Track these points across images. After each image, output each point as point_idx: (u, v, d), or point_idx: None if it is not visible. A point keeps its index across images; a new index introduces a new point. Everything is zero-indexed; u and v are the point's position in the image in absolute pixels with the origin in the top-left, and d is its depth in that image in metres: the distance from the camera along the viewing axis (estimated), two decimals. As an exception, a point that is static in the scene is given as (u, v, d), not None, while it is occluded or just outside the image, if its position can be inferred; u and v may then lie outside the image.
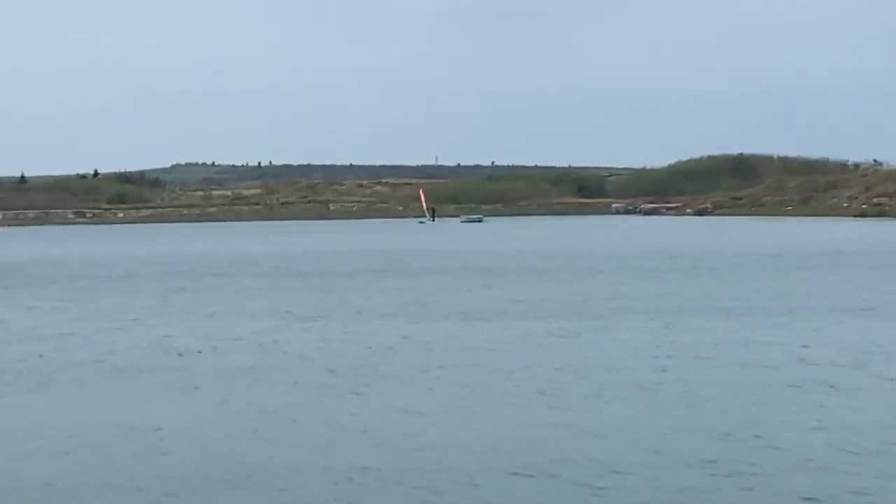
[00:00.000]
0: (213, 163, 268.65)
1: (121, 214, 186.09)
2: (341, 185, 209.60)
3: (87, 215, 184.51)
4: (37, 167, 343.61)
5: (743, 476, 12.64)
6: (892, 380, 18.80)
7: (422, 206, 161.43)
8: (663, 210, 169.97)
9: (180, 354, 23.11)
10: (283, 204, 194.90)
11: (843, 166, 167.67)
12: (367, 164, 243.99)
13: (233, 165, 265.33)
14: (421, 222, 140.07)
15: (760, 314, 28.68)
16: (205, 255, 67.58)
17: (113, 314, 32.06)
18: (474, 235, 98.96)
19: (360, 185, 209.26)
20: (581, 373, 19.75)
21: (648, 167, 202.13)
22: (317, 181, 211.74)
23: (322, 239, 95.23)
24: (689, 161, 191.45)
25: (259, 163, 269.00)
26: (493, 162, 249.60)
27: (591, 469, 13.05)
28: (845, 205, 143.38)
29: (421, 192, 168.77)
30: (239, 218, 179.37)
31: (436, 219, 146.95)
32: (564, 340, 24.21)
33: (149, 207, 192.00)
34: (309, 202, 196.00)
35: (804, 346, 22.60)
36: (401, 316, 29.88)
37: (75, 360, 22.41)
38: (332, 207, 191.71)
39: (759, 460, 13.33)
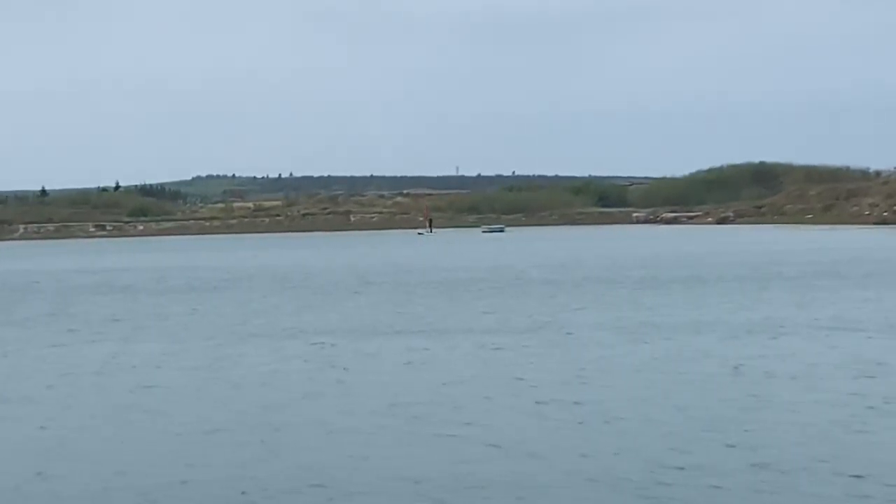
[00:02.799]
0: (234, 175, 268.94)
1: (141, 227, 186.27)
2: (362, 196, 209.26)
3: (108, 228, 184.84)
4: (57, 181, 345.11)
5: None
6: (827, 393, 17.91)
7: (425, 218, 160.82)
8: (684, 219, 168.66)
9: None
10: (304, 215, 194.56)
11: (864, 174, 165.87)
12: (387, 175, 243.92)
13: (254, 177, 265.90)
14: (420, 234, 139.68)
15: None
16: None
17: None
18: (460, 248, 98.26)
19: (381, 197, 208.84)
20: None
21: (669, 176, 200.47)
22: (338, 193, 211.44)
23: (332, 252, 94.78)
24: (710, 170, 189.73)
25: (280, 174, 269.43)
26: (513, 172, 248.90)
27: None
28: (867, 212, 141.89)
29: (425, 206, 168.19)
30: (260, 230, 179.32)
31: (433, 230, 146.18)
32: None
33: (170, 220, 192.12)
34: (330, 213, 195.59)
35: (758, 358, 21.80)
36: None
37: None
38: (352, 219, 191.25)
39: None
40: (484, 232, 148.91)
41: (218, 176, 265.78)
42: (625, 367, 20.67)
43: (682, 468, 12.87)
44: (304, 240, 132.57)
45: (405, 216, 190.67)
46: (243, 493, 12.29)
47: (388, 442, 14.66)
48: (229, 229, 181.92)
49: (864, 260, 54.46)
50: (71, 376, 21.32)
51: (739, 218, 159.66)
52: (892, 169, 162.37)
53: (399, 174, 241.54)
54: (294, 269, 60.98)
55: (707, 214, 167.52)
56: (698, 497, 11.77)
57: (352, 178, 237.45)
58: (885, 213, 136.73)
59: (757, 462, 13.10)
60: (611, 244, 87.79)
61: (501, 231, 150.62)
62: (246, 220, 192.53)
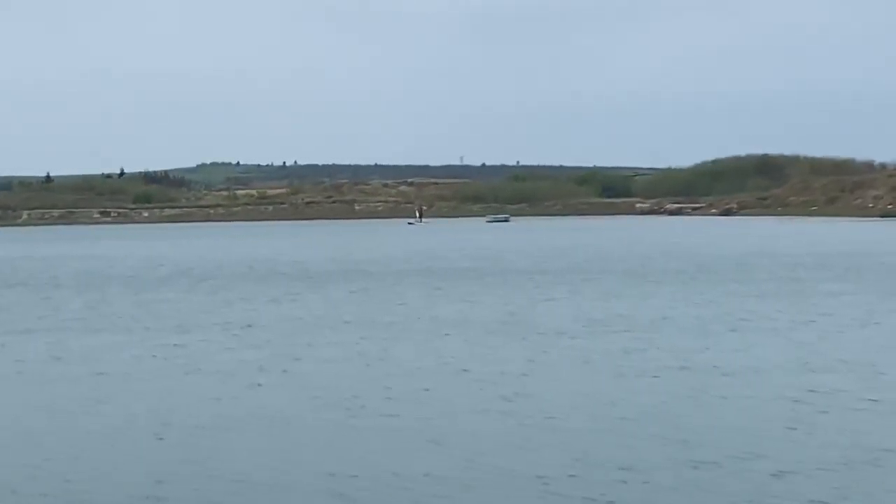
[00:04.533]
0: (238, 163, 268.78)
1: (146, 214, 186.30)
2: (366, 184, 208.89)
3: (113, 215, 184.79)
4: (62, 167, 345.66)
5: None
6: (769, 389, 17.49)
7: (414, 207, 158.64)
8: (688, 210, 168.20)
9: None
10: (308, 204, 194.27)
11: (869, 166, 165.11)
12: (392, 164, 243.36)
13: (258, 165, 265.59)
14: (410, 223, 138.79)
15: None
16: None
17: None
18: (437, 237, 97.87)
19: (385, 186, 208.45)
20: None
21: (674, 167, 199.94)
22: (342, 181, 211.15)
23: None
24: (714, 161, 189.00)
25: (284, 162, 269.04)
26: (518, 162, 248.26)
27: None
28: (871, 205, 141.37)
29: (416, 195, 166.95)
30: (264, 218, 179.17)
31: (423, 220, 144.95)
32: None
33: (174, 207, 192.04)
34: (334, 202, 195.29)
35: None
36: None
37: None
38: (357, 208, 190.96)
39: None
40: (488, 221, 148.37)
41: (222, 163, 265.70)
42: (572, 360, 20.23)
43: (616, 465, 12.51)
44: (291, 228, 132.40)
45: (409, 205, 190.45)
46: (158, 480, 12.05)
47: (321, 435, 14.36)
48: (233, 217, 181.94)
49: (852, 255, 53.90)
50: None
51: (743, 210, 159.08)
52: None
53: (403, 163, 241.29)
54: (269, 259, 60.77)
55: (711, 206, 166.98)
56: (629, 494, 11.43)
57: (356, 166, 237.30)
58: (890, 206, 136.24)
59: (691, 459, 12.75)
60: (591, 235, 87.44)
61: (506, 221, 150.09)
62: (250, 207, 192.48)
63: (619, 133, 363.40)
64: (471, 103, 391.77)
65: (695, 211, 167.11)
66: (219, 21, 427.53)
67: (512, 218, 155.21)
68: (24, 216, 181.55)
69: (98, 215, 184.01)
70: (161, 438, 14.42)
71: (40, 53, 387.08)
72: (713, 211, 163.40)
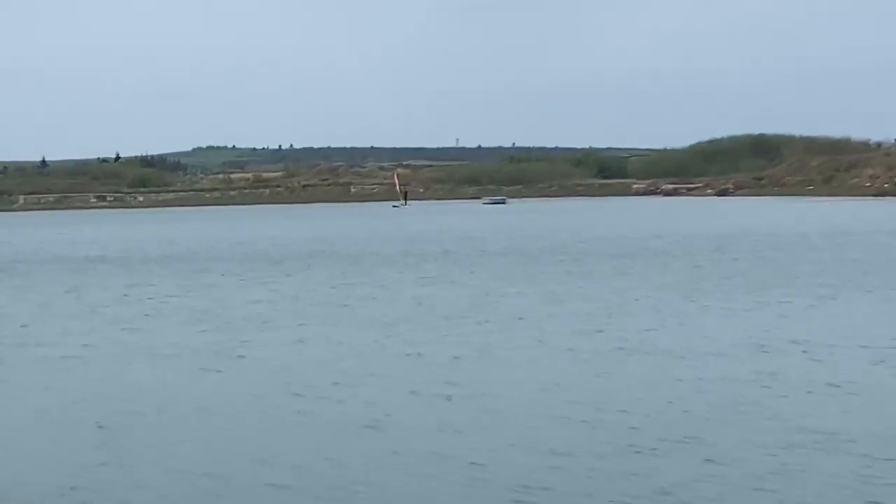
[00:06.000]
0: (234, 146, 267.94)
1: (141, 198, 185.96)
2: (362, 167, 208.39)
3: (108, 199, 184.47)
4: (58, 151, 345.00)
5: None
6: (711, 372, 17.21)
7: (395, 189, 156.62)
8: (684, 191, 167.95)
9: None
10: (304, 187, 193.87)
11: (865, 145, 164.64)
12: (387, 146, 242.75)
13: (253, 149, 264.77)
14: (395, 206, 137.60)
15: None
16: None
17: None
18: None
19: (381, 168, 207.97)
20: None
21: (669, 148, 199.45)
22: (338, 164, 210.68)
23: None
24: (710, 141, 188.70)
25: (280, 146, 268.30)
26: (513, 143, 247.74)
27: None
28: (867, 184, 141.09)
29: (395, 174, 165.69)
30: (260, 201, 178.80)
31: (408, 202, 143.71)
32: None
33: (170, 191, 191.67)
34: (330, 185, 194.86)
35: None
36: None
37: None
38: (352, 190, 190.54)
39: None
40: (485, 204, 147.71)
41: (218, 147, 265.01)
42: (525, 344, 19.89)
43: (551, 451, 12.25)
44: (285, 211, 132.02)
45: (405, 187, 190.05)
46: (88, 468, 11.81)
47: (260, 422, 14.11)
48: (230, 200, 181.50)
49: (833, 234, 53.71)
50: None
51: (739, 190, 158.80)
52: (893, 140, 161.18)
53: (399, 146, 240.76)
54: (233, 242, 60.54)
55: (707, 186, 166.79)
56: (563, 480, 11.18)
57: (352, 149, 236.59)
58: (886, 185, 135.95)
59: (631, 444, 12.48)
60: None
61: (503, 203, 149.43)
62: (246, 191, 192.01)
63: (615, 114, 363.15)
64: (466, 85, 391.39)
65: (690, 192, 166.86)
66: (214, 5, 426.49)
67: (508, 200, 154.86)
68: (21, 201, 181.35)
69: (94, 200, 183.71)
70: (101, 427, 14.16)
71: (36, 38, 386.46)
72: (709, 191, 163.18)
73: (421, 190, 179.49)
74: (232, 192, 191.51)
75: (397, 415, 14.35)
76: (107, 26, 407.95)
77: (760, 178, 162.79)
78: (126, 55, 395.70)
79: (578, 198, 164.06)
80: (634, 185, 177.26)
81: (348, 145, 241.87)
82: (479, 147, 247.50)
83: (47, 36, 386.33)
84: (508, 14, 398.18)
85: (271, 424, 14.08)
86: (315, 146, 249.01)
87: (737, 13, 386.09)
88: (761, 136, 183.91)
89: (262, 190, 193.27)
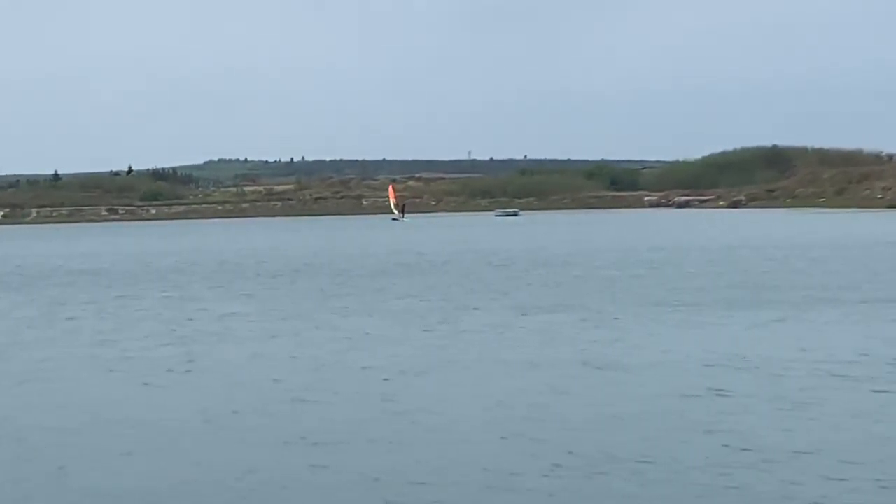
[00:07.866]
0: (246, 159, 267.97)
1: (154, 211, 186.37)
2: (374, 180, 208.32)
3: (120, 212, 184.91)
4: (70, 164, 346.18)
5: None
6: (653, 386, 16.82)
7: (391, 203, 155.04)
8: (696, 203, 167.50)
9: None
10: (316, 199, 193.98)
11: (877, 157, 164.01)
12: (399, 159, 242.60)
13: (265, 161, 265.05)
14: (394, 219, 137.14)
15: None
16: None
17: None
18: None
19: (393, 181, 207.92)
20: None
21: (682, 160, 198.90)
22: (350, 176, 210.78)
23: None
24: (723, 153, 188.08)
25: (292, 158, 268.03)
26: (525, 156, 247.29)
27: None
28: (879, 196, 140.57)
29: (390, 188, 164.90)
30: (272, 214, 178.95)
31: (405, 216, 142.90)
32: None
33: (182, 204, 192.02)
34: (342, 197, 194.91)
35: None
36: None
37: None
38: (364, 203, 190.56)
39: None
40: (497, 216, 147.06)
41: (230, 160, 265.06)
42: (475, 358, 19.52)
43: (482, 468, 11.89)
44: (296, 224, 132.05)
45: (417, 200, 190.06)
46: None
47: (195, 438, 13.81)
48: (242, 213, 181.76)
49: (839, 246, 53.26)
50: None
51: (752, 201, 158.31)
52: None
53: (411, 158, 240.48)
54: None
55: (719, 198, 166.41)
56: (492, 500, 10.83)
57: (364, 161, 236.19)
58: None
59: (563, 462, 12.09)
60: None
61: (516, 215, 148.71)
62: (258, 203, 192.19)
63: (627, 126, 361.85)
64: (479, 97, 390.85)
65: (703, 203, 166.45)
66: (227, 18, 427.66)
67: (521, 212, 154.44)
68: (34, 214, 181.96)
69: (106, 213, 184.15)
70: (21, 440, 13.86)
71: (48, 50, 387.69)
72: (721, 203, 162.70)
73: (433, 203, 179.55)
74: (244, 205, 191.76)
75: (330, 430, 13.99)
76: (119, 40, 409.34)
77: (773, 190, 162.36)
78: (139, 69, 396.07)
79: (591, 210, 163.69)
80: (647, 198, 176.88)
81: (360, 158, 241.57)
82: (492, 159, 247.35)
83: (60, 50, 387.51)
84: (521, 27, 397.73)
85: (205, 440, 13.78)
86: (327, 159, 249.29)
87: (750, 25, 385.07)
88: (774, 147, 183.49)
89: (274, 202, 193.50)
